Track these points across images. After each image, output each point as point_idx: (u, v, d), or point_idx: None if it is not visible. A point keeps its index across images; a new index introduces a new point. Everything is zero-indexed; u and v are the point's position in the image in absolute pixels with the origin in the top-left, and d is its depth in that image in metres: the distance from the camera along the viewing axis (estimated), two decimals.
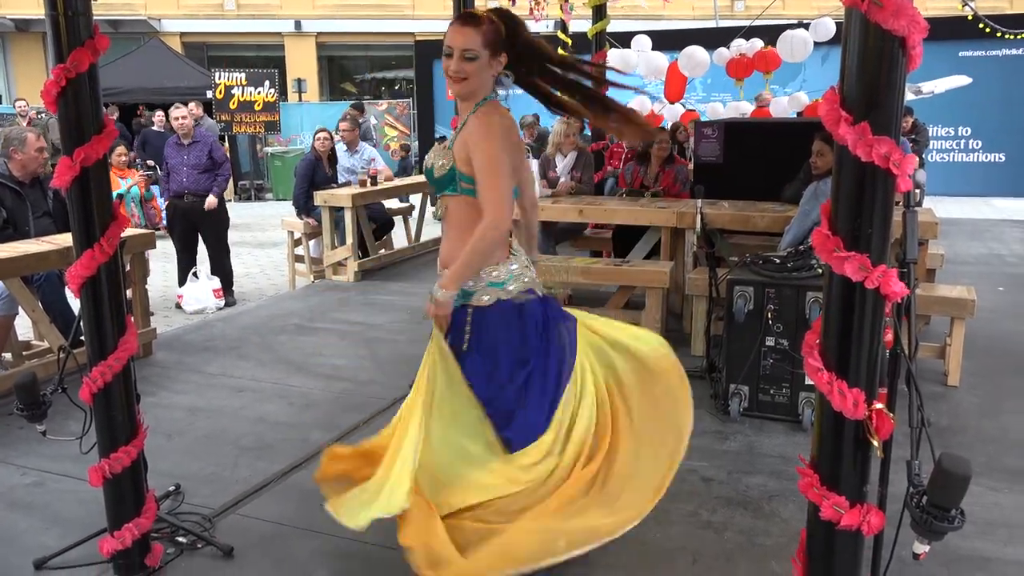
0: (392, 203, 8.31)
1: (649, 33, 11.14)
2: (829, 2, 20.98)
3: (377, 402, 4.31)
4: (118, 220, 2.62)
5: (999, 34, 11.94)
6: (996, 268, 7.52)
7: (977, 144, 14.14)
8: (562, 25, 10.30)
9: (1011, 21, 12.91)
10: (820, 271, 3.92)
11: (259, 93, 15.14)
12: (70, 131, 2.50)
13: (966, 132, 14.08)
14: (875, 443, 1.79)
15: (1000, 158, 14.10)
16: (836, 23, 9.78)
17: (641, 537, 2.94)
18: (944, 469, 1.63)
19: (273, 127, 15.65)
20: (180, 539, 2.94)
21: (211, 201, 7.00)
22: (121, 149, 6.52)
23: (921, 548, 1.73)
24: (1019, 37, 12.94)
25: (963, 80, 14.15)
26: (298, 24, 23.16)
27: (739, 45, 10.37)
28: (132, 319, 2.77)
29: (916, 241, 1.85)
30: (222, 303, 7.11)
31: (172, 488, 3.28)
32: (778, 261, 4.03)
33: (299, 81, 19.37)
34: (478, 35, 2.34)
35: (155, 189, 6.67)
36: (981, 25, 10.78)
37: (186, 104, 8.60)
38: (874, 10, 1.65)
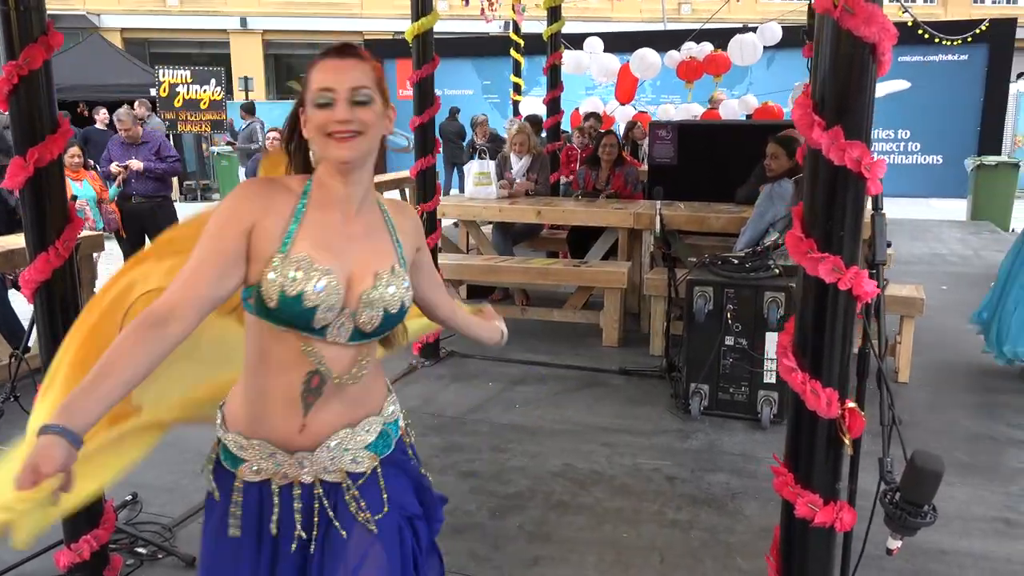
0: None
1: (600, 35, 11.23)
2: (773, 8, 21.40)
3: None
4: (73, 223, 2.54)
5: (938, 40, 12.31)
6: (938, 267, 7.76)
7: (916, 147, 14.55)
8: (514, 26, 10.33)
9: (946, 28, 13.32)
10: (777, 271, 4.01)
11: (205, 91, 14.80)
12: (23, 130, 2.41)
13: (905, 135, 14.48)
14: (847, 441, 1.83)
15: (938, 160, 14.54)
16: (783, 28, 9.99)
17: (611, 537, 2.97)
18: (917, 466, 1.67)
19: (219, 126, 15.33)
20: (140, 550, 2.87)
21: (135, 164, 6.69)
22: (74, 150, 6.28)
23: (894, 544, 1.78)
24: (956, 44, 13.37)
25: (902, 84, 14.55)
26: (244, 21, 22.81)
27: (689, 48, 10.51)
28: None
29: (884, 243, 1.89)
30: None
31: (129, 497, 3.19)
32: (736, 262, 4.10)
33: (245, 79, 19.04)
34: (369, 71, 1.52)
35: (112, 191, 6.44)
36: (920, 31, 11.11)
37: (132, 104, 8.37)
38: (846, 17, 1.69)
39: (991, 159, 11.43)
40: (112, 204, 6.35)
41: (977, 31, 13.20)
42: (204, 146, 16.66)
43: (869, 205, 1.91)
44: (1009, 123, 15.72)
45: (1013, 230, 10.60)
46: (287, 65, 25.60)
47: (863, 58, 1.72)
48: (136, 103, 10.98)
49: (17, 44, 2.36)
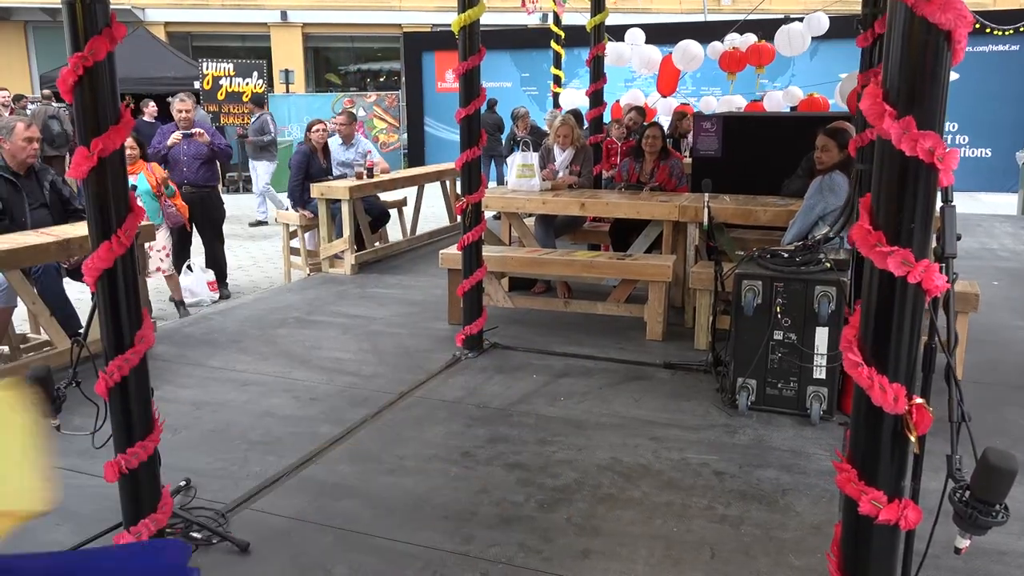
0: (388, 196, 8.26)
1: (642, 26, 11.14)
2: None
3: (383, 396, 4.29)
4: (135, 212, 2.58)
5: (988, 30, 12.03)
6: (988, 262, 7.59)
7: (964, 140, 14.26)
8: (555, 18, 10.30)
9: (997, 17, 13.00)
10: (828, 265, 3.94)
11: (247, 84, 15.00)
12: (87, 121, 2.46)
13: (953, 128, 14.19)
14: (912, 438, 1.79)
15: (987, 153, 14.24)
16: (829, 18, 9.82)
17: (661, 532, 2.96)
18: (990, 463, 1.63)
19: None
20: (195, 535, 2.91)
21: (198, 131, 7.08)
22: (130, 142, 6.45)
23: (963, 543, 1.74)
24: (1007, 34, 13.05)
25: (951, 76, 14.27)
26: (284, 15, 22.98)
27: (732, 39, 10.38)
28: (148, 312, 2.73)
29: (955, 235, 1.85)
30: (216, 296, 7.05)
31: (183, 483, 3.25)
32: (786, 255, 4.04)
33: (286, 72, 19.19)
34: None
35: (169, 189, 6.60)
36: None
37: (167, 96, 8.54)
38: (921, 3, 1.65)
39: None
40: (176, 198, 6.47)
41: None
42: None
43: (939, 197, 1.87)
44: None
45: None
46: (326, 58, 25.77)
47: (938, 45, 1.68)
48: (183, 95, 11.12)
49: (82, 36, 2.41)
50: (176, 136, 7.09)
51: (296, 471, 3.46)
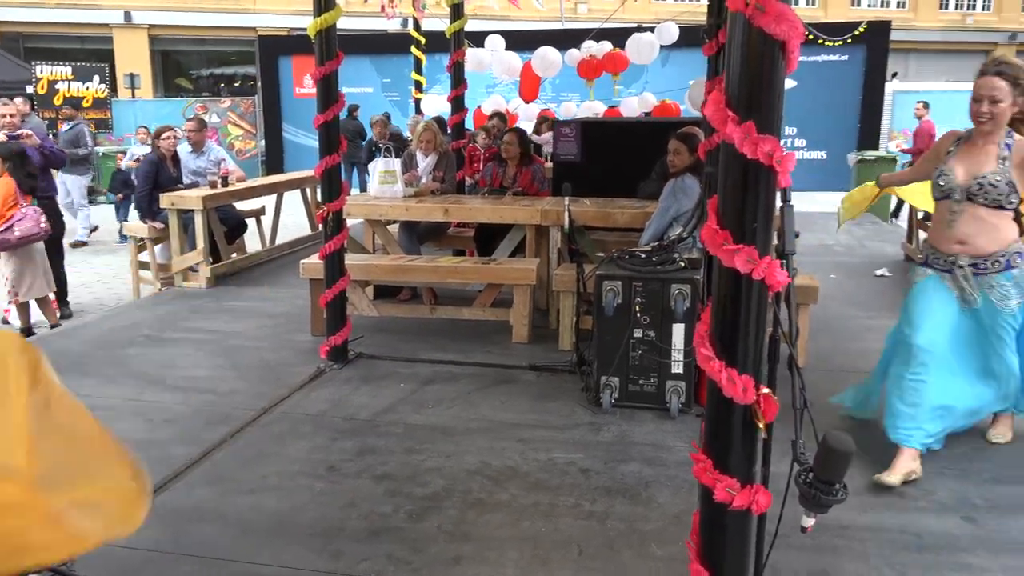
0: (245, 205, 7.95)
1: (501, 33, 11.27)
2: (665, 8, 21.98)
3: (243, 413, 4.12)
4: None
5: (820, 40, 12.92)
6: (826, 257, 8.14)
7: (802, 143, 15.26)
8: (415, 23, 10.26)
9: (828, 29, 14.02)
10: (683, 264, 4.11)
11: (88, 89, 14.13)
12: None
13: (792, 132, 15.16)
14: (761, 426, 1.89)
15: (822, 156, 15.28)
16: (679, 28, 10.27)
17: (529, 533, 2.98)
18: (829, 446, 1.74)
19: (104, 125, 14.64)
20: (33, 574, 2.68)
21: (31, 138, 6.53)
22: None
23: (808, 522, 1.84)
24: (837, 44, 14.07)
25: (788, 83, 15.24)
26: (128, 15, 21.83)
27: (589, 47, 10.67)
28: None
29: (794, 233, 1.96)
30: (57, 315, 6.57)
31: None
32: (643, 256, 4.18)
33: (131, 76, 18.24)
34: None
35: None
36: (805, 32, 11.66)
37: (12, 100, 7.90)
38: (757, 15, 1.73)
39: (871, 154, 12.10)
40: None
41: (856, 32, 13.95)
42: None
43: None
44: (885, 120, 16.66)
45: (892, 221, 11.25)
46: (176, 62, 24.63)
47: (773, 55, 1.77)
48: (17, 100, 10.32)
49: None
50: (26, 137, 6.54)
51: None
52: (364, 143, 13.09)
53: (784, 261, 1.91)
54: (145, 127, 11.31)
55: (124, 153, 11.06)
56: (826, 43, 13.44)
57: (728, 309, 1.88)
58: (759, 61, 1.77)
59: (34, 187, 6.19)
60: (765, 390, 1.88)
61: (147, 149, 9.84)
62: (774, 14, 1.70)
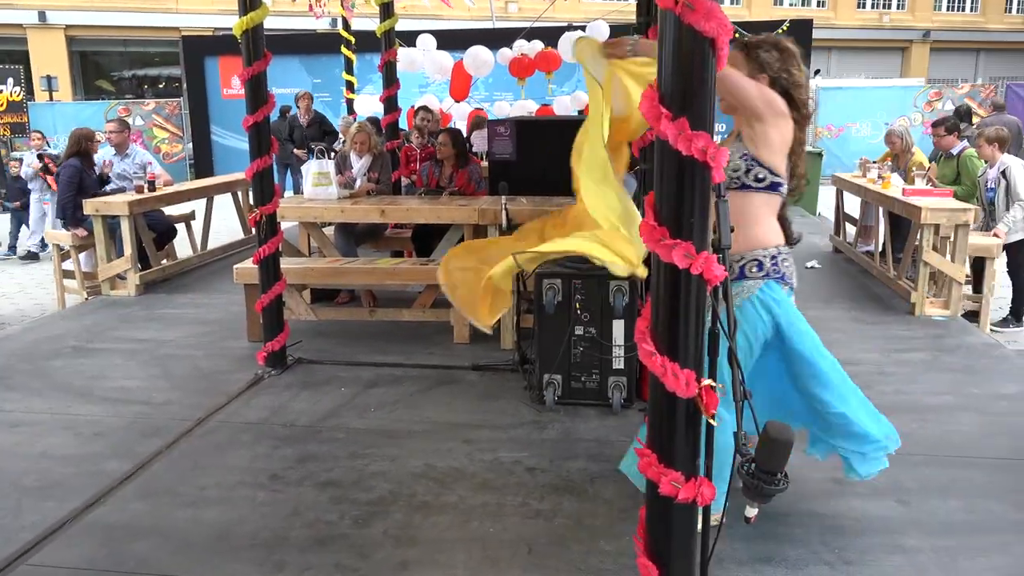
0: (172, 209, 7.73)
1: (432, 32, 11.21)
2: (595, 7, 22.18)
3: (178, 424, 4.00)
4: None
5: (745, 39, 13.19)
6: (799, 247, 8.29)
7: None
8: (344, 23, 10.12)
9: (751, 28, 14.27)
10: None
11: (2, 92, 13.54)
12: None
13: (721, 128, 15.46)
14: (706, 417, 1.91)
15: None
16: (610, 27, 10.36)
17: (478, 534, 2.97)
18: (770, 437, 1.77)
19: (21, 129, 14.07)
20: None
21: None
22: None
23: (752, 512, 1.88)
24: None
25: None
26: (42, 15, 21.03)
27: (520, 46, 10.69)
28: None
29: (728, 228, 1.99)
30: None
31: None
32: None
33: (48, 79, 17.56)
34: None
35: None
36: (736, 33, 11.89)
37: None
38: (687, 13, 1.76)
39: None
40: None
41: (779, 31, 14.25)
42: (3, 151, 15.25)
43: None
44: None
45: (819, 214, 11.57)
46: (96, 63, 23.82)
47: (704, 52, 1.79)
48: None
49: None
50: None
51: (81, 516, 3.14)
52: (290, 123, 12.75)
53: (720, 255, 1.95)
54: (39, 132, 10.88)
55: (19, 161, 10.51)
56: (749, 40, 13.73)
57: (668, 304, 1.90)
58: (690, 58, 1.79)
59: None
60: (707, 382, 1.91)
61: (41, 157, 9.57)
62: (703, 12, 1.73)
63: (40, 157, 9.73)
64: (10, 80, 13.74)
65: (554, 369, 4.16)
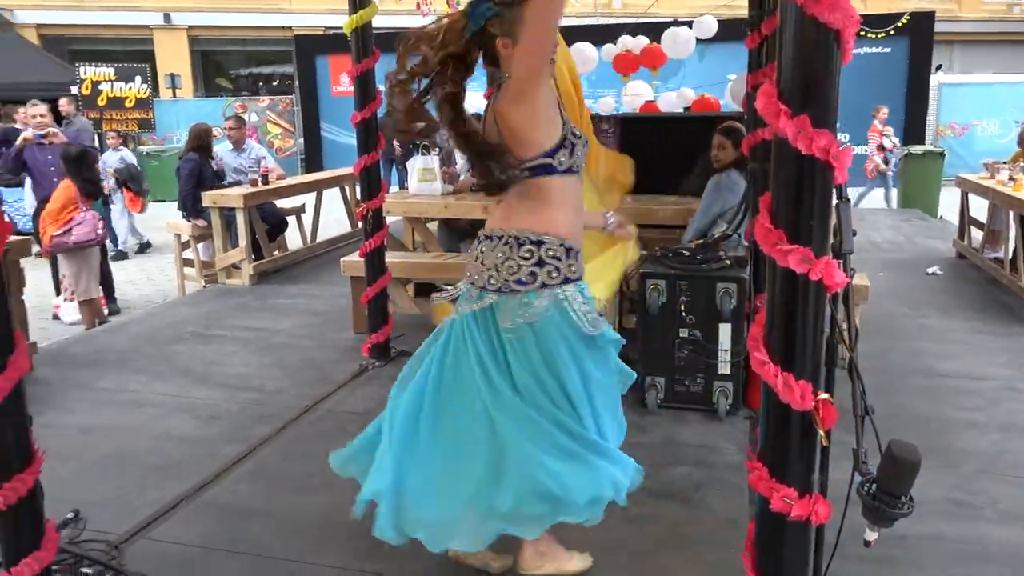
0: (284, 203, 8.01)
1: None
2: (701, 2, 21.70)
3: (288, 411, 4.13)
4: (1, 227, 2.38)
5: (862, 32, 12.66)
6: (873, 254, 7.96)
7: (845, 138, 14.95)
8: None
9: (870, 21, 13.68)
10: (728, 262, 4.03)
11: (130, 89, 14.34)
12: None
13: (843, 138, 14.89)
14: (821, 433, 1.82)
15: (865, 151, 14.97)
16: (718, 21, 10.11)
17: (575, 536, 2.93)
18: (895, 456, 1.67)
19: (147, 125, 14.87)
20: (85, 570, 2.72)
21: (52, 131, 6.65)
22: None
23: (871, 535, 1.77)
24: (879, 36, 13.76)
25: None
26: (167, 17, 22.12)
27: (625, 42, 10.55)
28: (22, 335, 2.52)
29: (851, 232, 1.89)
30: (105, 312, 6.68)
31: (71, 515, 3.03)
32: (687, 253, 4.11)
33: (172, 76, 18.50)
34: None
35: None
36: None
37: (55, 102, 8.04)
38: (811, 3, 1.67)
39: (918, 148, 11.78)
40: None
41: (899, 23, 13.62)
42: (132, 145, 16.16)
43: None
44: (932, 114, 16.25)
45: (941, 217, 10.97)
46: (215, 62, 24.93)
47: (828, 44, 1.70)
48: (63, 100, 10.49)
49: None
50: (27, 135, 6.66)
51: (197, 495, 3.28)
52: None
53: (842, 260, 1.85)
54: (115, 131, 11.03)
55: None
56: (868, 35, 13.14)
57: (783, 311, 1.81)
58: (813, 51, 1.70)
59: (93, 191, 6.28)
60: (824, 396, 1.81)
61: (122, 154, 9.87)
62: (828, 2, 1.63)
63: (117, 181, 9.32)
64: (137, 78, 14.51)
65: (657, 372, 4.08)
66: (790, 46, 1.75)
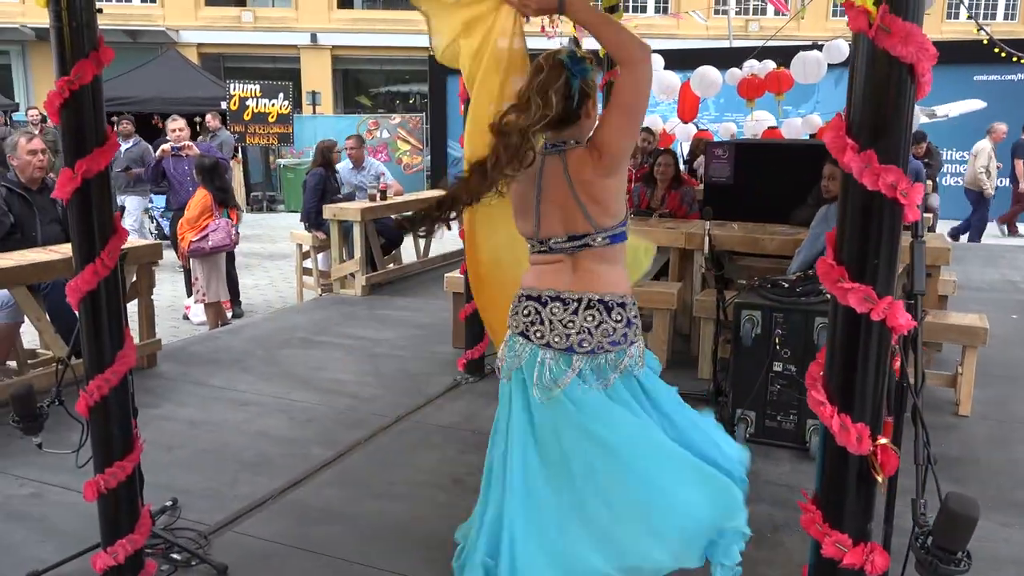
0: None
1: (662, 52, 11.14)
2: (842, 25, 20.87)
3: (379, 419, 4.27)
4: (119, 233, 2.60)
5: (1015, 59, 11.85)
6: (1009, 295, 7.42)
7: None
8: (575, 42, 10.32)
9: (1021, 45, 12.80)
10: (828, 296, 3.87)
11: (273, 105, 15.20)
12: (72, 143, 2.48)
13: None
14: (879, 479, 1.75)
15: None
16: (850, 46, 9.75)
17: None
18: (951, 510, 1.58)
19: (286, 139, 15.71)
20: (175, 556, 2.91)
21: (187, 145, 7.19)
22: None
23: None
24: None
25: (977, 104, 14.04)
26: (314, 37, 23.35)
27: (751, 66, 10.34)
28: (130, 332, 2.74)
29: (924, 272, 1.80)
30: (229, 315, 7.10)
31: (169, 503, 3.25)
32: (787, 285, 3.98)
33: (313, 94, 19.47)
34: None
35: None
36: (996, 49, 10.71)
37: (204, 117, 8.66)
38: (882, 36, 1.62)
39: None
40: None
41: None
42: (272, 158, 17.12)
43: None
44: None
45: None
46: (355, 80, 26.10)
47: (900, 79, 1.65)
48: (208, 115, 11.31)
49: (69, 59, 2.44)
50: (165, 147, 7.21)
51: (283, 494, 3.45)
52: None
53: (912, 302, 1.77)
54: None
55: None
56: (1022, 61, 12.29)
57: (843, 351, 1.77)
58: (884, 86, 1.65)
59: (225, 200, 6.72)
60: (883, 441, 1.74)
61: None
62: (901, 35, 1.59)
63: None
64: (281, 95, 15.37)
65: (748, 405, 3.96)
66: (861, 79, 1.71)
